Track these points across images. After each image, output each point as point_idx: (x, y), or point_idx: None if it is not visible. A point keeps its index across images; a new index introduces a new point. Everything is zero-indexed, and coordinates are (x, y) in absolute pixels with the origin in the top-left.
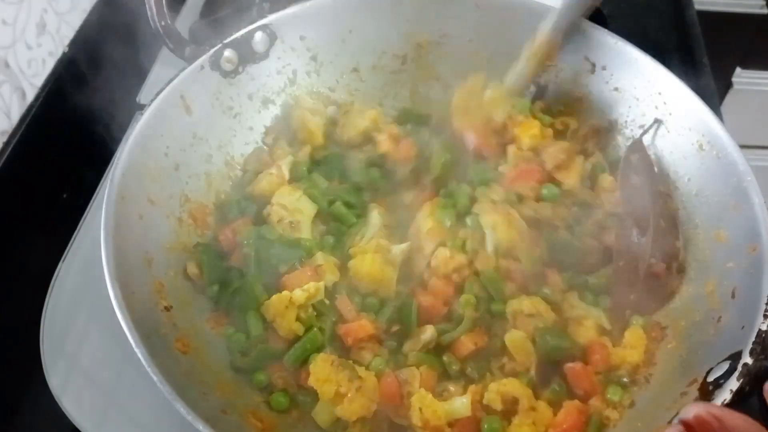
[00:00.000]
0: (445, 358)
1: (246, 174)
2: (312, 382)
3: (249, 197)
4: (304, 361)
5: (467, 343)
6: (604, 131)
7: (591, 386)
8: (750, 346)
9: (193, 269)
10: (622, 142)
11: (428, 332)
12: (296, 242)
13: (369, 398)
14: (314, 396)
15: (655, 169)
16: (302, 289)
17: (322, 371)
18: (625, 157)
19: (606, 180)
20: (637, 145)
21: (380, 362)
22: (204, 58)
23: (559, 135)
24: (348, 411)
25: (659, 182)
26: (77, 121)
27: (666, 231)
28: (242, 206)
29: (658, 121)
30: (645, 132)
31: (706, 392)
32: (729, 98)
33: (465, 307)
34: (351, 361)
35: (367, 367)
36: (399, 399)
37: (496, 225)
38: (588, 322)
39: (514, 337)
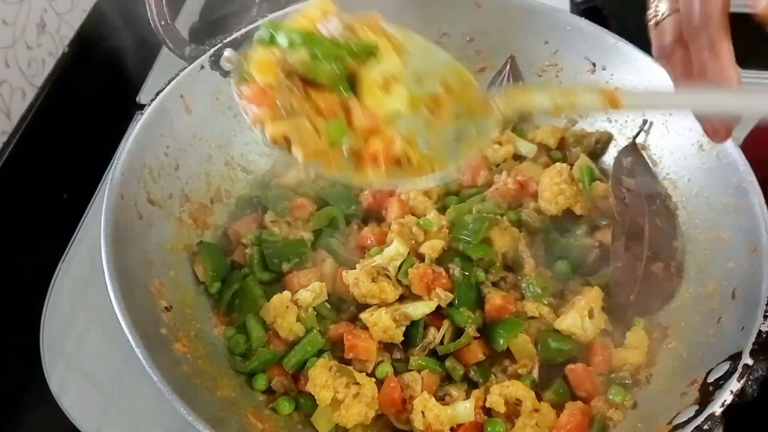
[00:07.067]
0: (448, 363)
1: (275, 167)
2: (310, 387)
3: (275, 188)
4: (304, 365)
5: (476, 353)
6: (603, 140)
7: (593, 387)
8: (750, 346)
9: (200, 269)
10: (622, 143)
11: (430, 334)
12: (298, 241)
13: (367, 405)
14: (315, 399)
15: (653, 170)
16: (308, 289)
17: (320, 377)
18: (617, 161)
19: (599, 187)
20: (629, 149)
21: (386, 367)
22: (204, 58)
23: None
24: (345, 417)
25: (657, 183)
26: (77, 121)
27: (663, 231)
28: (255, 202)
29: (647, 121)
30: (636, 135)
31: (707, 393)
32: None
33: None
34: (351, 367)
35: (372, 373)
36: (401, 404)
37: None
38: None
39: (516, 340)
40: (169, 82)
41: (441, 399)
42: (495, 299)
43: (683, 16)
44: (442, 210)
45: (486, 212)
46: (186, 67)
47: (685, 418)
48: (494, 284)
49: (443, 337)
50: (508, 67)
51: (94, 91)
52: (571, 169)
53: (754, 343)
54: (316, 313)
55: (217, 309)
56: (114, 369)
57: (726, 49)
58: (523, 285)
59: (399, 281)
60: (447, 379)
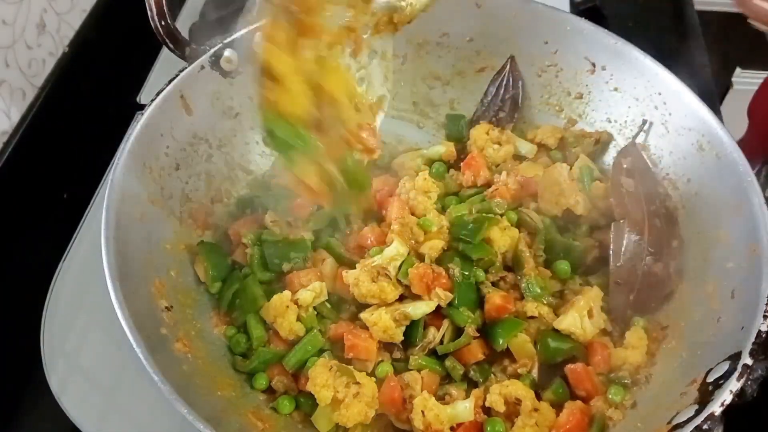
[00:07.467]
0: (447, 362)
1: (275, 167)
2: (310, 387)
3: (274, 188)
4: (304, 364)
5: (476, 352)
6: (603, 140)
7: (593, 387)
8: (750, 346)
9: (200, 269)
10: (622, 143)
11: (430, 333)
12: (298, 241)
13: (367, 404)
14: (315, 398)
15: (652, 170)
16: (308, 289)
17: (320, 377)
18: (616, 162)
19: (599, 187)
20: (629, 149)
21: (386, 366)
22: (204, 58)
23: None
24: (345, 417)
25: (657, 183)
26: (77, 121)
27: (663, 231)
28: (255, 203)
29: (646, 122)
30: (636, 135)
31: (706, 392)
32: (729, 98)
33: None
34: (351, 367)
35: (372, 372)
36: (401, 403)
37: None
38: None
39: (516, 340)
40: (169, 82)
41: (441, 398)
42: (495, 299)
43: None
44: (442, 210)
45: (486, 212)
46: (186, 67)
47: (684, 418)
48: (494, 284)
49: (443, 336)
50: (508, 67)
51: (94, 91)
52: (571, 169)
53: (753, 343)
54: (316, 312)
55: (217, 309)
56: (114, 369)
57: None
58: (523, 285)
59: (399, 281)
60: (447, 378)
